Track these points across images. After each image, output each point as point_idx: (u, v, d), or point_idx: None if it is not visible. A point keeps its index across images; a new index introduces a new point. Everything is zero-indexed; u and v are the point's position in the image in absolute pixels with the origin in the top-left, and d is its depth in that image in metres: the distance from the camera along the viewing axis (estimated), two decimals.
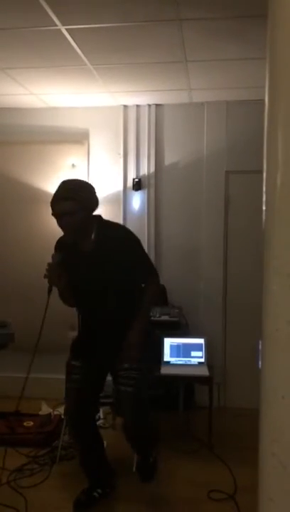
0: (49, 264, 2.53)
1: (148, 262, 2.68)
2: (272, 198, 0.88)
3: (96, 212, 2.64)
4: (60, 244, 2.68)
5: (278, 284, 0.87)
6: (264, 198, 0.93)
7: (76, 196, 2.46)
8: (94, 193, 2.58)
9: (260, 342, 1.01)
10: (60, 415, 3.80)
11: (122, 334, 2.55)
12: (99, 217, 2.64)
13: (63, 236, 2.62)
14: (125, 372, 2.57)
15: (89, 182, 2.66)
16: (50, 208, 4.69)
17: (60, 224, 2.51)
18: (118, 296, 2.56)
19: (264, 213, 0.95)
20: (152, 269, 2.69)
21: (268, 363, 0.93)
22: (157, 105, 4.33)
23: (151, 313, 2.94)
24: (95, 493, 2.76)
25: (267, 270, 0.92)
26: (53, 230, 4.42)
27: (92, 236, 2.55)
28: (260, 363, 0.99)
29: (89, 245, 2.55)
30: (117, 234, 2.60)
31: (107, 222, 2.66)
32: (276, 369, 0.88)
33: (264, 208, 0.93)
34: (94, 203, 2.57)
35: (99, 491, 2.77)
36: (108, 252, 2.52)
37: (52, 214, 2.52)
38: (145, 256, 2.68)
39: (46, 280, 2.55)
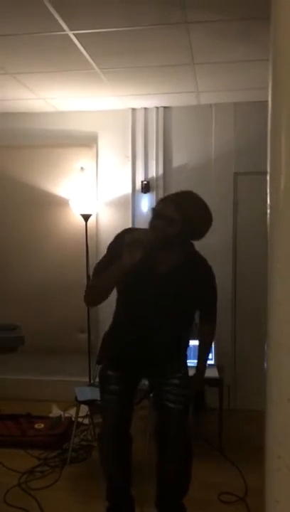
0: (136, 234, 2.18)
1: (215, 303, 2.54)
2: (276, 201, 0.88)
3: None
4: (124, 238, 2.23)
5: (283, 286, 0.87)
6: (268, 201, 0.94)
7: (185, 210, 2.19)
8: (205, 224, 2.28)
9: (266, 345, 1.01)
10: (70, 417, 3.82)
11: (172, 349, 2.40)
12: (191, 243, 2.40)
13: (137, 231, 2.25)
14: (175, 388, 2.38)
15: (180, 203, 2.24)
16: (59, 211, 4.71)
17: (151, 223, 2.22)
18: (177, 317, 2.35)
19: (268, 216, 0.95)
20: (215, 311, 2.57)
21: (273, 366, 0.93)
22: (165, 108, 4.34)
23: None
24: None
25: (272, 273, 0.93)
26: (63, 232, 4.48)
27: (177, 258, 2.30)
28: (266, 365, 1.00)
29: (167, 266, 2.28)
30: (204, 263, 2.40)
31: (195, 249, 2.44)
32: (280, 371, 0.88)
33: (268, 211, 0.94)
34: (197, 230, 2.27)
35: None
36: (186, 281, 2.30)
37: (153, 210, 2.27)
38: (216, 296, 2.52)
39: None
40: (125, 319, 2.40)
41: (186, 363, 2.52)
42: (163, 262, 2.28)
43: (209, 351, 2.74)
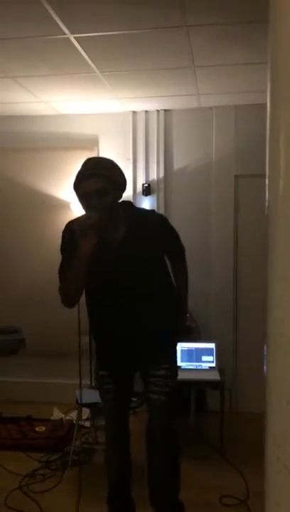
0: (83, 220, 2.14)
1: (179, 241, 2.45)
2: (274, 203, 0.89)
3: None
4: (72, 230, 2.19)
5: (282, 288, 0.88)
6: (266, 204, 0.94)
7: (109, 174, 2.15)
8: (124, 173, 2.27)
9: (265, 347, 1.01)
10: (71, 420, 3.81)
11: (157, 329, 2.30)
12: (129, 202, 2.37)
13: (80, 219, 2.18)
14: (160, 379, 2.32)
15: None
16: (60, 214, 4.70)
17: (87, 205, 2.16)
18: (151, 287, 2.27)
19: (267, 219, 0.96)
20: (181, 248, 2.49)
21: (272, 368, 0.93)
22: (166, 111, 4.35)
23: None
24: None
25: (271, 275, 0.93)
26: None
27: (123, 222, 2.24)
28: (265, 367, 1.00)
29: (118, 233, 2.23)
30: (152, 218, 2.36)
31: (136, 207, 2.42)
32: (280, 374, 0.88)
33: (266, 213, 0.94)
34: (124, 182, 2.26)
35: None
36: (143, 239, 2.24)
37: (79, 194, 2.20)
38: (177, 235, 2.44)
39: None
40: (101, 307, 2.34)
41: (175, 352, 2.45)
42: (116, 233, 2.25)
43: (186, 297, 2.56)
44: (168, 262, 2.46)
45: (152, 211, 2.45)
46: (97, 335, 2.47)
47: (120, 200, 2.30)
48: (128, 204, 2.36)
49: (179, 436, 2.46)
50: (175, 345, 2.49)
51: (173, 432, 2.42)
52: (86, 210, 2.19)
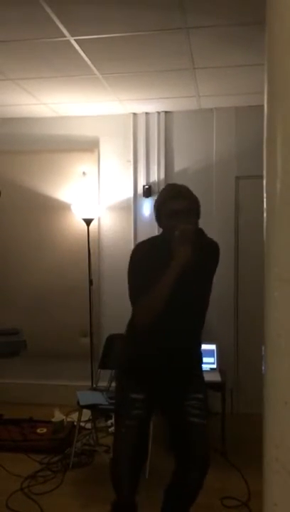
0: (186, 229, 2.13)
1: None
2: (272, 204, 0.89)
3: None
4: (151, 243, 2.29)
5: (279, 289, 0.88)
6: (264, 205, 0.94)
7: (193, 198, 2.24)
8: (198, 203, 2.33)
9: (263, 348, 1.01)
10: (72, 422, 3.81)
11: (195, 355, 2.33)
12: (201, 229, 2.32)
13: (156, 239, 2.29)
14: (200, 403, 2.27)
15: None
16: (61, 216, 4.70)
17: (173, 223, 2.15)
18: (201, 312, 2.31)
19: (264, 220, 0.96)
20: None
21: (270, 369, 0.93)
22: (166, 112, 4.36)
23: None
24: None
25: (268, 276, 0.93)
26: (65, 237, 4.49)
27: (195, 246, 2.17)
28: (263, 368, 1.00)
29: (193, 253, 2.16)
30: (215, 246, 2.35)
31: (206, 234, 2.38)
32: (278, 375, 0.88)
33: (264, 214, 0.94)
34: (199, 211, 2.30)
35: None
36: (207, 264, 2.27)
37: (166, 212, 2.21)
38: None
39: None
40: (152, 332, 2.19)
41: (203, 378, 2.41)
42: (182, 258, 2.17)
43: None
44: None
45: (214, 241, 2.40)
46: (141, 349, 2.30)
47: None
48: (201, 231, 2.32)
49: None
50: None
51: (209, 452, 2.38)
52: (171, 229, 2.16)
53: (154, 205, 2.32)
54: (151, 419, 2.45)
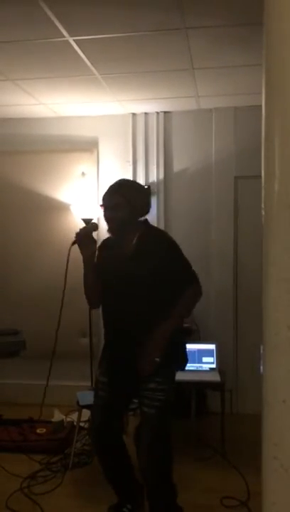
0: (80, 230, 2.53)
1: (189, 271, 2.48)
2: (270, 204, 0.89)
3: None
4: (104, 241, 2.62)
5: (277, 289, 0.88)
6: (262, 205, 0.95)
7: (125, 193, 2.42)
8: (147, 197, 2.57)
9: (262, 347, 1.02)
10: (72, 422, 3.81)
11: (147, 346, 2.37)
12: (146, 221, 2.53)
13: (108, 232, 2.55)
14: (150, 392, 2.38)
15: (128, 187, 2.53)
16: (60, 216, 4.73)
17: (104, 216, 2.48)
18: (149, 304, 2.38)
19: (262, 220, 0.96)
20: (192, 278, 2.48)
21: (268, 367, 0.94)
22: (165, 112, 4.36)
23: (182, 318, 2.54)
24: (125, 509, 2.63)
25: (266, 276, 0.93)
26: (64, 237, 4.48)
27: (134, 239, 2.43)
28: (261, 367, 1.00)
29: (130, 247, 2.44)
30: (159, 241, 2.47)
31: (152, 227, 2.61)
32: (276, 373, 0.89)
33: (262, 214, 0.95)
34: (143, 206, 2.50)
35: (129, 506, 2.63)
36: (147, 258, 2.38)
37: (100, 205, 2.51)
38: (186, 265, 2.48)
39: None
40: (106, 317, 2.58)
41: (169, 366, 2.42)
42: (127, 248, 2.45)
43: (180, 316, 2.47)
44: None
45: (163, 235, 2.54)
46: (105, 339, 2.63)
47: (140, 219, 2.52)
48: (145, 223, 2.52)
49: (169, 448, 2.49)
50: (168, 359, 2.39)
51: (165, 443, 2.46)
52: (105, 221, 2.49)
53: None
54: (123, 402, 2.63)
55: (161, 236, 2.54)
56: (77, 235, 2.50)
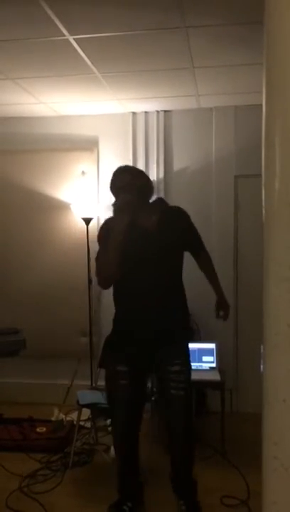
0: (122, 197, 2.49)
1: (201, 240, 2.82)
2: (270, 203, 0.89)
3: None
4: (107, 221, 2.64)
5: (277, 287, 0.88)
6: (263, 204, 0.94)
7: (135, 174, 2.60)
8: (150, 184, 2.66)
9: (262, 346, 1.02)
10: (72, 421, 3.82)
11: (169, 314, 2.51)
12: (161, 198, 2.80)
13: (113, 217, 2.54)
14: (175, 375, 2.50)
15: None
16: (60, 215, 4.72)
17: (121, 189, 2.52)
18: (170, 272, 2.57)
19: (263, 218, 0.96)
20: (204, 245, 2.84)
21: (269, 366, 0.94)
22: (165, 111, 4.36)
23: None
24: (125, 507, 2.65)
25: (267, 274, 0.93)
26: (64, 236, 4.49)
27: (155, 213, 2.58)
28: (262, 366, 1.00)
29: (151, 221, 2.54)
30: (181, 213, 2.69)
31: (167, 202, 2.81)
32: (276, 372, 0.88)
33: (263, 212, 0.95)
34: (151, 188, 2.63)
35: (129, 504, 2.66)
36: (172, 229, 2.57)
37: (114, 191, 2.57)
38: (199, 235, 2.81)
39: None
40: (128, 289, 2.54)
41: (187, 347, 2.61)
42: (148, 221, 2.54)
43: (216, 277, 2.93)
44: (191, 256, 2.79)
45: (177, 207, 2.76)
46: (120, 313, 2.63)
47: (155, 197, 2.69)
48: (160, 200, 2.76)
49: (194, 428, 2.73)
50: (187, 339, 2.67)
51: (191, 423, 2.65)
52: (117, 205, 2.51)
53: (109, 188, 2.62)
54: (145, 389, 2.73)
55: (180, 210, 2.72)
56: (122, 198, 2.47)
